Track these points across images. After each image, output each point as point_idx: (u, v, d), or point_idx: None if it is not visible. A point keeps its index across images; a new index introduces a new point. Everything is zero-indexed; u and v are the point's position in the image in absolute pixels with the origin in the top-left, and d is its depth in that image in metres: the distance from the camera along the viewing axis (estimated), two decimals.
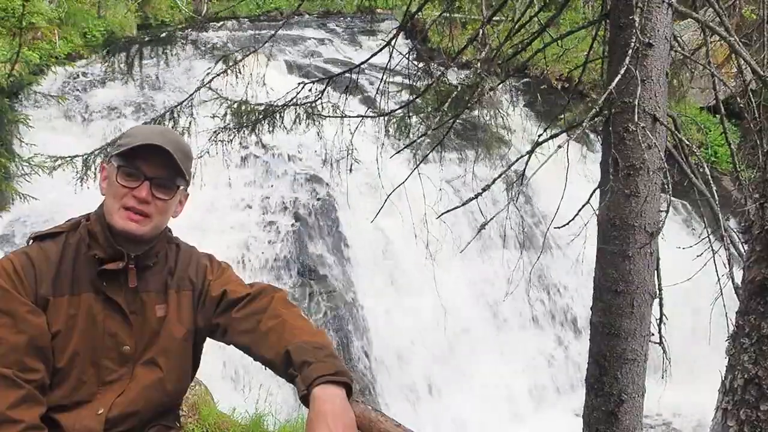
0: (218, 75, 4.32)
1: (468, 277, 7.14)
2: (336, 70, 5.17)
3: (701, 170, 3.29)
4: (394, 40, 4.02)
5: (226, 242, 6.58)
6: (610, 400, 3.09)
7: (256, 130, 4.32)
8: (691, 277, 3.26)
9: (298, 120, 4.31)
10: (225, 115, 4.30)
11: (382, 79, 4.13)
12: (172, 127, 4.35)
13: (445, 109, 3.62)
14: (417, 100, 4.15)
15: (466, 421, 6.21)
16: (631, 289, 3.03)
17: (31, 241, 1.65)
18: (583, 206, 3.13)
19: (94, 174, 4.35)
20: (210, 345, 1.78)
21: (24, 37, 6.40)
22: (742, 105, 3.42)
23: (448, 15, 4.45)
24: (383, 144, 4.17)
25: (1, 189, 5.87)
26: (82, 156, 4.43)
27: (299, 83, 4.31)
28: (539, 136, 3.53)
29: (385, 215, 4.20)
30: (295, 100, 4.24)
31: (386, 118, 4.29)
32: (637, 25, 2.81)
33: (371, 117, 4.34)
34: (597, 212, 3.08)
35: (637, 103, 2.78)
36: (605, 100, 2.88)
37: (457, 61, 4.21)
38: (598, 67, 4.01)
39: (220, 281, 1.71)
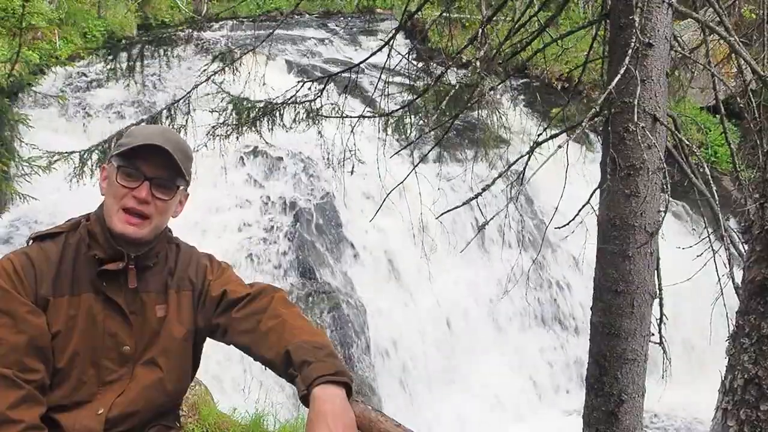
0: (215, 73, 4.31)
1: (468, 276, 7.14)
2: (336, 69, 5.17)
3: (701, 170, 3.29)
4: (392, 40, 4.01)
5: (226, 242, 6.58)
6: (610, 400, 3.09)
7: (256, 126, 4.30)
8: (691, 277, 3.27)
9: (297, 118, 4.31)
10: (225, 109, 4.28)
11: (380, 78, 4.12)
12: (169, 125, 4.34)
13: (444, 108, 3.61)
14: (417, 100, 4.15)
15: (466, 420, 6.21)
16: (631, 289, 3.03)
17: (31, 241, 1.65)
18: (583, 206, 3.14)
19: (91, 171, 4.32)
20: (210, 345, 1.78)
21: (24, 37, 6.39)
22: (742, 105, 3.42)
23: (447, 15, 4.44)
24: (384, 144, 4.17)
25: (1, 189, 5.86)
26: (79, 152, 4.39)
27: (299, 81, 4.31)
28: (539, 136, 3.53)
29: (386, 215, 4.19)
30: (294, 98, 4.24)
31: (386, 118, 4.29)
32: (637, 25, 2.80)
33: (371, 117, 4.34)
34: (597, 212, 3.08)
35: (636, 103, 2.77)
36: (605, 100, 2.88)
37: (457, 60, 4.20)
38: (598, 67, 4.00)
39: (220, 281, 1.71)
